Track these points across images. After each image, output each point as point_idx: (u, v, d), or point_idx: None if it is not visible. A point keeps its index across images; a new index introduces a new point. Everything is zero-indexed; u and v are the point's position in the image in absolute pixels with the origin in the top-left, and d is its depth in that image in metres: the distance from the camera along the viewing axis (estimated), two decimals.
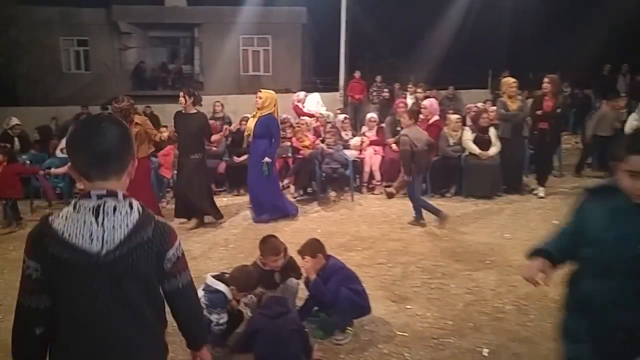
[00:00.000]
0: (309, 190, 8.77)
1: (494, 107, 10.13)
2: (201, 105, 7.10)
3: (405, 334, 3.98)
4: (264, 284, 3.93)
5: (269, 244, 4.00)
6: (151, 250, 1.72)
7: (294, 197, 8.54)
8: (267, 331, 3.33)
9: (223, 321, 3.59)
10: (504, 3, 20.66)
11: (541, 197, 7.95)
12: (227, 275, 3.82)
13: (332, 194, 8.40)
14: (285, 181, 8.85)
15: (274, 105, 6.97)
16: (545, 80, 7.96)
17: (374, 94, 14.82)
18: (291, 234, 6.62)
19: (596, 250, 2.10)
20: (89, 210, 1.68)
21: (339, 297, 3.79)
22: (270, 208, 7.18)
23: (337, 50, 16.54)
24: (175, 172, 7.95)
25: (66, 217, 1.67)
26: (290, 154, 8.93)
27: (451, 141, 8.27)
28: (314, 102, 10.87)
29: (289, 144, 9.09)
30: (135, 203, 1.76)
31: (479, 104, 10.44)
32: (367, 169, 8.71)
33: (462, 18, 20.47)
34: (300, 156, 8.50)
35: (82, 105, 15.75)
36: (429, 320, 4.19)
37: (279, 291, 3.95)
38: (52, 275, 1.67)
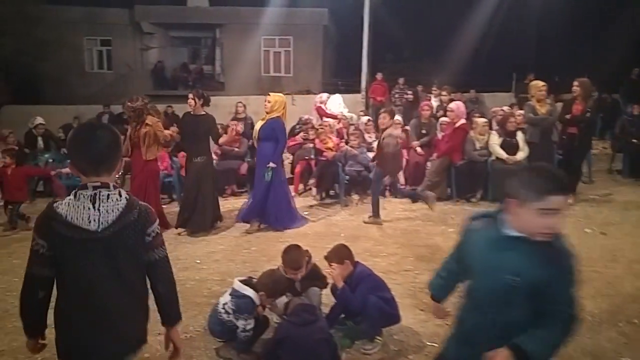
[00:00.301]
0: (332, 192, 8.67)
1: (521, 111, 9.94)
2: (209, 106, 6.96)
3: (435, 345, 3.83)
4: (289, 291, 3.84)
5: (290, 256, 3.88)
6: (137, 228, 2.12)
7: (317, 200, 8.45)
8: (295, 339, 3.23)
9: (250, 327, 3.51)
10: (529, 5, 20.34)
11: (570, 204, 7.75)
12: (254, 279, 3.74)
13: (355, 197, 8.28)
14: (311, 181, 8.76)
15: (283, 108, 6.81)
16: (575, 83, 7.77)
17: (396, 96, 14.68)
18: (314, 237, 6.53)
19: (473, 282, 2.18)
20: (87, 198, 2.07)
21: (367, 305, 3.67)
22: (273, 217, 6.87)
23: (358, 52, 16.45)
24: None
25: (68, 204, 2.06)
26: (313, 156, 8.84)
27: (477, 145, 8.11)
28: (336, 104, 10.80)
29: (311, 145, 9.00)
30: (123, 192, 2.14)
31: (505, 108, 10.23)
32: None
33: (486, 21, 20.15)
34: (324, 158, 8.40)
35: (103, 104, 15.89)
36: None
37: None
38: (57, 251, 2.06)
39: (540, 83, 7.88)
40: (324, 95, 10.81)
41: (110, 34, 22.31)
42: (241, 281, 3.65)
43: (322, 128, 8.83)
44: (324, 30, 21.98)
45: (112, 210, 2.07)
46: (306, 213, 7.77)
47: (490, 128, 8.66)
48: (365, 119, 9.52)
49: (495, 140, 8.05)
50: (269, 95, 6.91)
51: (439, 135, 8.74)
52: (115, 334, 2.15)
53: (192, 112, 6.79)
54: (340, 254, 3.89)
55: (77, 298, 2.11)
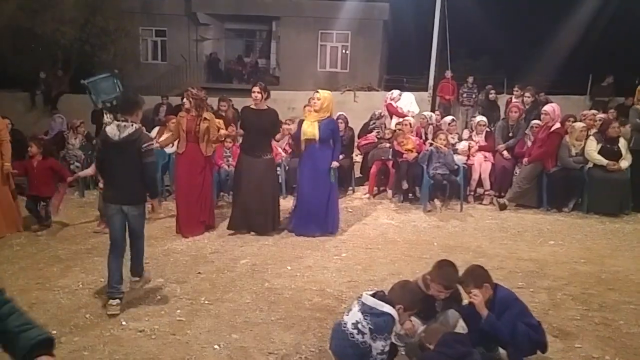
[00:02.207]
0: (410, 196, 8.19)
1: (602, 115, 9.28)
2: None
3: None
4: (422, 309, 3.42)
5: (446, 272, 3.43)
6: (137, 142, 4.31)
7: (394, 204, 8.01)
8: None
9: (387, 349, 3.11)
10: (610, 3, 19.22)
11: None
12: (383, 292, 3.32)
13: (437, 202, 7.77)
14: (390, 192, 8.38)
15: (331, 106, 6.46)
16: None
17: (464, 95, 14.09)
18: (405, 246, 6.12)
19: None
20: (116, 126, 4.36)
21: (517, 334, 3.22)
22: (331, 222, 6.51)
23: (419, 49, 15.88)
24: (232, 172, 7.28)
25: (111, 127, 4.38)
26: (390, 157, 8.38)
27: (573, 151, 7.53)
28: (407, 102, 10.27)
29: (388, 145, 8.55)
30: (135, 124, 4.37)
31: (592, 112, 9.57)
32: (475, 176, 8.06)
33: (557, 19, 19.23)
34: (404, 159, 7.92)
35: (162, 95, 15.72)
36: None
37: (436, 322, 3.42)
38: (103, 146, 4.44)
39: None
40: (395, 92, 10.29)
41: (166, 25, 22.19)
42: (372, 296, 3.23)
43: (400, 129, 8.32)
44: (383, 25, 21.32)
45: (126, 132, 4.28)
46: (386, 217, 7.36)
47: None
48: (449, 119, 8.99)
49: (593, 146, 7.44)
50: (317, 92, 6.41)
51: (528, 139, 8.18)
52: (125, 191, 4.35)
53: (253, 107, 6.39)
54: (478, 276, 3.40)
55: (107, 170, 4.52)
